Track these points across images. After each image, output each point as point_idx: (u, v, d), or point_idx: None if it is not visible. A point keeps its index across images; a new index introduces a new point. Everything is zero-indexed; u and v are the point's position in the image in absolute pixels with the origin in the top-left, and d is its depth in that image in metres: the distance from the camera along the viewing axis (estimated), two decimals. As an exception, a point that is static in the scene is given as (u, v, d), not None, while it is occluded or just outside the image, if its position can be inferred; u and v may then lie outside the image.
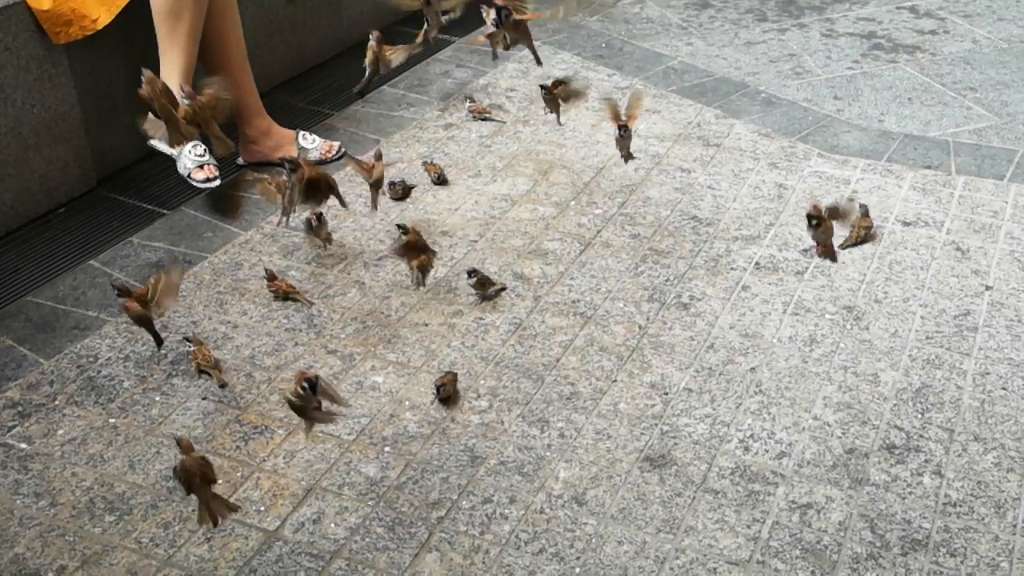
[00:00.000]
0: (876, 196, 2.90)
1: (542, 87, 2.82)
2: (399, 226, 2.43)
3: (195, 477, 1.75)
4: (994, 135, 3.23)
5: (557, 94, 2.81)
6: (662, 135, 3.23)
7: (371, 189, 2.64)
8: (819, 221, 2.36)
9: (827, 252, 2.46)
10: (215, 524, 1.81)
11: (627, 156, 2.83)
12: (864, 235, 2.62)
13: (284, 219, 2.59)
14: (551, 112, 2.91)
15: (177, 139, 2.31)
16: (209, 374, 2.26)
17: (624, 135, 2.73)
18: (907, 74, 3.65)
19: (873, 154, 3.12)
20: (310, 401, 1.89)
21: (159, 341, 2.29)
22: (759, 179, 3.00)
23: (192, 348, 2.28)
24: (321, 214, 2.58)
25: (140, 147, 2.92)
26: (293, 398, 1.89)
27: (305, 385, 1.86)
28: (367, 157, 2.65)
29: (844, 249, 2.63)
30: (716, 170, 3.05)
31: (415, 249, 2.42)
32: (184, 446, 1.78)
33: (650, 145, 3.17)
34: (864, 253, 2.66)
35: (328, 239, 2.64)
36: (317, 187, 2.40)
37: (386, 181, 2.73)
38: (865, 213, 2.63)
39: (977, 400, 2.19)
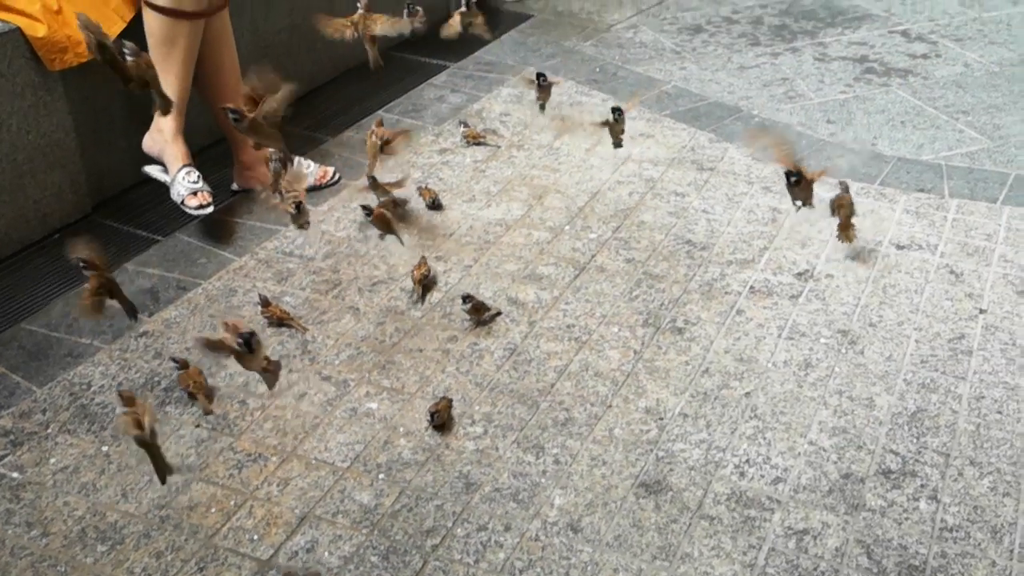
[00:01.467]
0: (870, 219, 2.90)
1: (538, 74, 2.78)
2: (363, 207, 2.42)
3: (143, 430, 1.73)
4: (986, 158, 3.24)
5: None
6: (656, 159, 3.24)
7: (369, 158, 2.60)
8: (799, 179, 2.35)
9: (805, 196, 2.46)
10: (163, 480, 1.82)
11: (618, 142, 2.76)
12: (849, 215, 2.65)
13: (275, 194, 2.53)
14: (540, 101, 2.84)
15: (126, 83, 2.23)
16: (197, 398, 2.24)
17: (617, 119, 2.67)
18: (899, 98, 3.67)
19: (866, 177, 3.13)
20: (249, 360, 1.86)
21: (133, 312, 2.23)
22: (753, 203, 3.01)
23: (180, 372, 2.26)
24: (300, 203, 2.53)
25: (135, 173, 2.93)
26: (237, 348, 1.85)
27: (240, 341, 1.82)
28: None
29: (847, 239, 2.65)
30: (710, 194, 3.05)
31: (383, 222, 2.41)
32: (126, 398, 1.76)
33: (644, 169, 3.18)
34: (858, 276, 2.67)
35: (305, 225, 2.60)
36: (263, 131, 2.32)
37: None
38: (845, 190, 2.65)
39: (972, 424, 2.19)
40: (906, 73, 3.86)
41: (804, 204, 2.60)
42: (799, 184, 2.48)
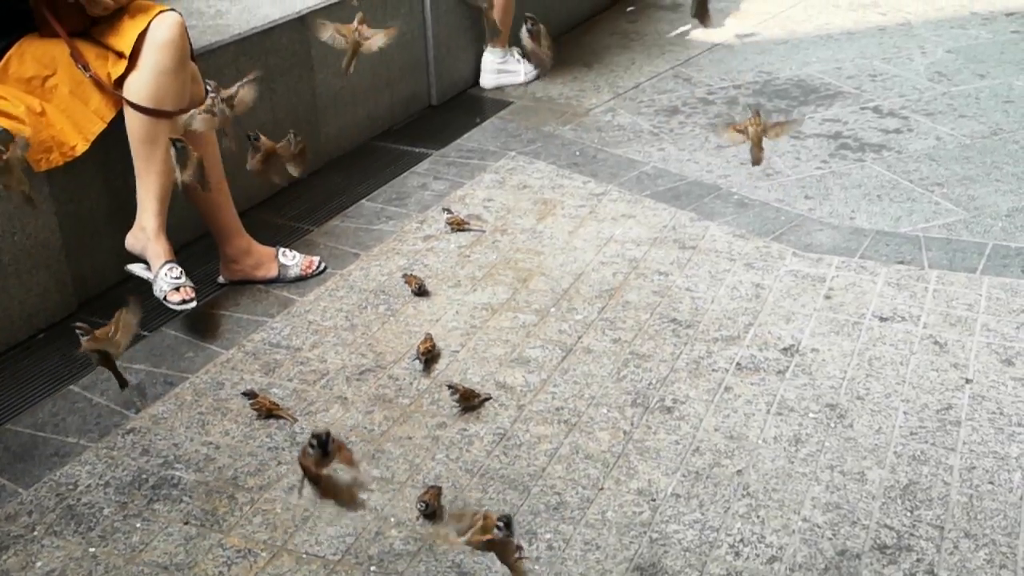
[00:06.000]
0: (852, 292, 2.93)
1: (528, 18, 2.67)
2: (248, 135, 2.36)
3: None
4: (963, 229, 3.29)
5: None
6: (639, 239, 3.27)
7: (351, 52, 2.57)
8: (536, 29, 2.29)
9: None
10: None
11: (543, 64, 2.66)
12: (759, 134, 2.59)
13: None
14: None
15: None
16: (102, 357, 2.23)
17: (533, 29, 2.57)
18: (875, 172, 3.73)
19: (846, 251, 3.16)
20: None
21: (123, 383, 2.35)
22: (736, 280, 3.03)
23: (85, 337, 2.21)
24: (180, 142, 2.49)
25: (120, 271, 2.94)
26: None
27: None
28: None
29: (758, 160, 2.61)
30: (693, 272, 3.08)
31: (272, 159, 2.37)
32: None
33: (627, 249, 3.21)
34: (843, 350, 2.68)
35: (204, 184, 2.60)
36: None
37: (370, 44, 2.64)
38: (756, 113, 2.61)
39: (965, 496, 2.18)
40: (880, 148, 3.93)
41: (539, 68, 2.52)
42: (535, 37, 2.43)
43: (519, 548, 1.80)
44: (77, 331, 2.22)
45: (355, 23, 2.69)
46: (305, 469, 1.76)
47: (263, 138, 2.54)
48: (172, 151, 2.47)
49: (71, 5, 2.68)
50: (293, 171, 2.58)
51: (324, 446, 1.74)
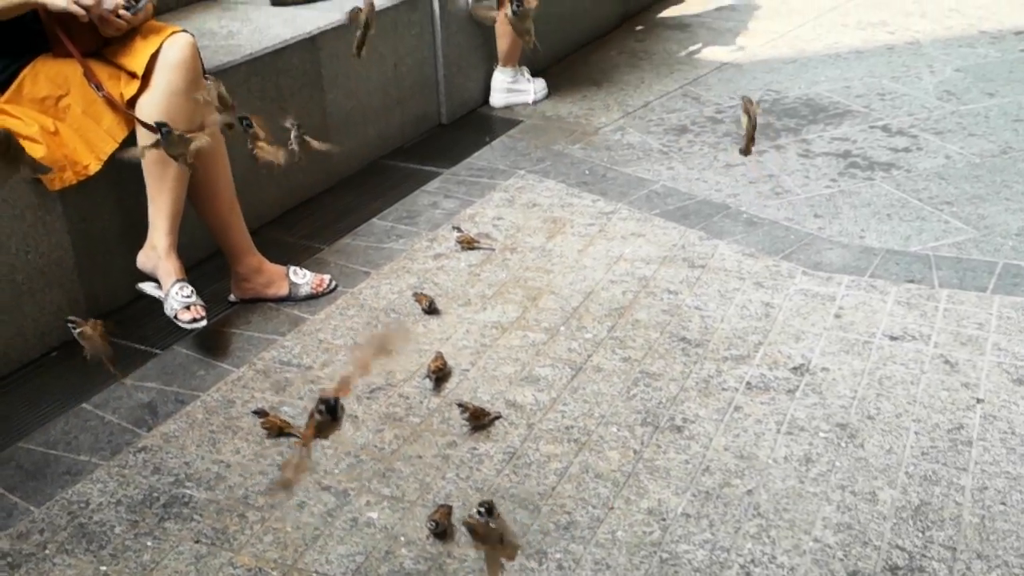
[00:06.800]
0: (862, 311, 2.93)
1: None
2: (241, 119, 2.43)
3: None
4: (974, 248, 3.28)
5: None
6: (648, 258, 3.28)
7: (360, 34, 2.62)
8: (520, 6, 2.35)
9: None
10: None
11: (528, 38, 2.70)
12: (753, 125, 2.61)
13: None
14: None
15: None
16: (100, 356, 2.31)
17: (519, 10, 2.62)
18: (884, 190, 3.73)
19: (856, 270, 3.16)
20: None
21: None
22: (745, 299, 3.03)
23: (77, 331, 2.26)
24: (165, 126, 2.52)
25: (131, 290, 2.95)
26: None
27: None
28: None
29: (748, 151, 2.62)
30: (703, 291, 3.08)
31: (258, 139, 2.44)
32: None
33: (636, 268, 3.22)
34: (854, 369, 2.68)
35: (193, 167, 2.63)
36: None
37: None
38: (750, 102, 2.62)
39: (977, 516, 2.18)
40: (889, 166, 3.93)
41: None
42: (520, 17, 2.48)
43: (502, 538, 1.80)
44: (69, 325, 2.25)
45: (363, 3, 2.71)
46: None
47: (256, 126, 2.56)
48: (159, 136, 2.49)
49: (84, 26, 2.70)
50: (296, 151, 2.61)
51: (333, 411, 1.74)
